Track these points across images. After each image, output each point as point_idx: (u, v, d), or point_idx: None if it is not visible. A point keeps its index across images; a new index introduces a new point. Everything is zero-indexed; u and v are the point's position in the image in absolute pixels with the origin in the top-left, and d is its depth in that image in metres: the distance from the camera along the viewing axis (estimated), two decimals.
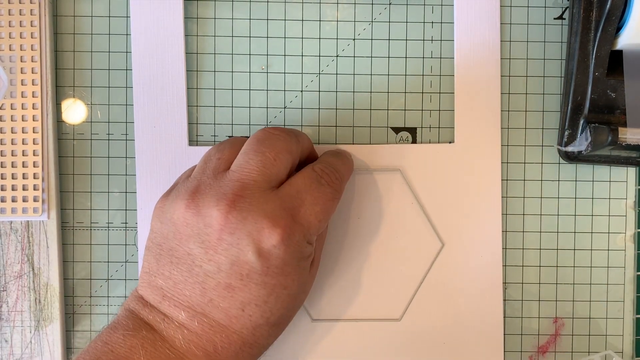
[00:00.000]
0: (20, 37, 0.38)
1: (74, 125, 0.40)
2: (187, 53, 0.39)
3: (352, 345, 0.39)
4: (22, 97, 0.38)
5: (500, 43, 0.39)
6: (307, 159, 0.36)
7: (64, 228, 0.40)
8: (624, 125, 0.36)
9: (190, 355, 0.30)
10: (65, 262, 0.40)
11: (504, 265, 0.40)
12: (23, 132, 0.38)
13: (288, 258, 0.31)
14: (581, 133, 0.38)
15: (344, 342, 0.39)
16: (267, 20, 0.40)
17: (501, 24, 0.40)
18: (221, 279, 0.30)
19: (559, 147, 0.39)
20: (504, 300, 0.40)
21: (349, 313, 0.39)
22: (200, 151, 0.39)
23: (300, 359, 0.39)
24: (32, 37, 0.38)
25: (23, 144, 0.38)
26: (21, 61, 0.38)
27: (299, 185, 0.32)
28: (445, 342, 0.39)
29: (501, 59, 0.40)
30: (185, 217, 0.31)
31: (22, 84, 0.38)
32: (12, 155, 0.38)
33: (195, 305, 0.31)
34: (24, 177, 0.38)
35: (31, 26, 0.38)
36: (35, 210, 0.38)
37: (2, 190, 0.38)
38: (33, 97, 0.38)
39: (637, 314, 0.40)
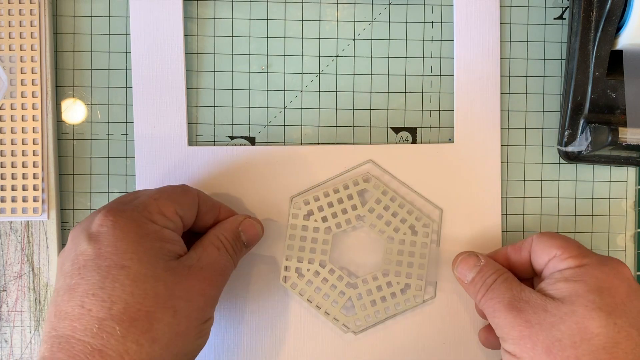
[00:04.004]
0: (20, 37, 0.38)
1: (74, 125, 0.40)
2: (187, 53, 0.39)
3: (348, 343, 0.39)
4: (22, 97, 0.38)
5: (500, 43, 0.39)
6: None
7: (64, 228, 0.40)
8: (624, 125, 0.36)
9: None
10: None
11: None
12: (23, 132, 0.38)
13: (119, 233, 0.29)
14: (581, 133, 0.38)
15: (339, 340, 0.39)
16: (267, 20, 0.40)
17: (501, 24, 0.40)
18: (65, 284, 0.29)
19: (559, 147, 0.39)
20: None
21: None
22: (200, 151, 0.39)
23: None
24: (32, 37, 0.38)
25: (23, 144, 0.38)
26: (21, 61, 0.38)
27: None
28: (445, 342, 0.39)
29: (501, 59, 0.40)
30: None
31: (22, 84, 0.38)
32: (12, 155, 0.38)
33: (51, 329, 0.28)
34: (24, 177, 0.38)
35: (31, 26, 0.38)
36: (35, 210, 0.38)
37: (2, 190, 0.38)
38: (33, 97, 0.38)
39: None
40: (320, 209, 0.38)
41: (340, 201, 0.38)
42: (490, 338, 0.37)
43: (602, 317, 0.29)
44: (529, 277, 0.35)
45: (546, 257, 0.33)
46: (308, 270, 0.38)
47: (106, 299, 0.28)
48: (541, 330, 0.29)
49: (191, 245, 0.33)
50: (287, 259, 0.38)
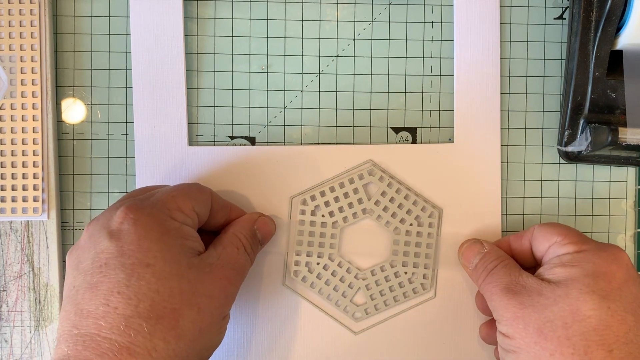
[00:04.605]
0: (20, 37, 0.38)
1: (74, 125, 0.40)
2: (187, 53, 0.39)
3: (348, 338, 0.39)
4: (22, 97, 0.38)
5: (500, 43, 0.39)
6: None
7: (64, 228, 0.40)
8: (624, 125, 0.36)
9: None
10: (65, 262, 0.40)
11: None
12: (23, 132, 0.38)
13: (142, 231, 0.29)
14: (581, 133, 0.38)
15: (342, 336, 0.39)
16: (267, 20, 0.40)
17: (501, 24, 0.40)
18: (86, 282, 0.29)
19: (559, 147, 0.39)
20: None
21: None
22: (201, 151, 0.39)
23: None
24: (32, 37, 0.38)
25: (23, 144, 0.38)
26: (21, 61, 0.38)
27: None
28: (445, 341, 0.39)
29: (501, 59, 0.40)
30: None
31: (22, 84, 0.38)
32: (12, 155, 0.38)
33: (72, 327, 0.28)
34: (24, 177, 0.38)
35: (31, 26, 0.38)
36: (35, 210, 0.38)
37: (2, 190, 0.38)
38: (33, 97, 0.38)
39: None
40: (327, 203, 0.39)
41: (346, 195, 0.39)
42: (491, 333, 0.37)
43: (595, 300, 0.29)
44: (530, 266, 0.35)
45: (547, 244, 0.33)
46: (318, 264, 0.39)
47: (132, 297, 0.28)
48: (534, 312, 0.30)
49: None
50: (297, 254, 0.39)
